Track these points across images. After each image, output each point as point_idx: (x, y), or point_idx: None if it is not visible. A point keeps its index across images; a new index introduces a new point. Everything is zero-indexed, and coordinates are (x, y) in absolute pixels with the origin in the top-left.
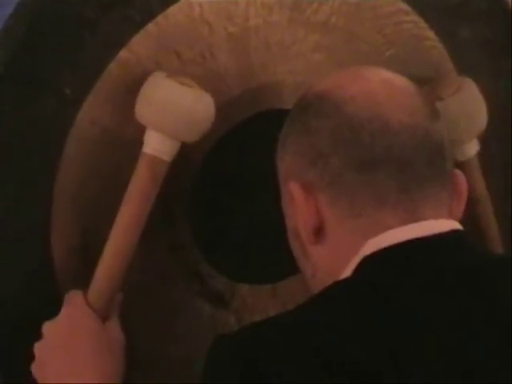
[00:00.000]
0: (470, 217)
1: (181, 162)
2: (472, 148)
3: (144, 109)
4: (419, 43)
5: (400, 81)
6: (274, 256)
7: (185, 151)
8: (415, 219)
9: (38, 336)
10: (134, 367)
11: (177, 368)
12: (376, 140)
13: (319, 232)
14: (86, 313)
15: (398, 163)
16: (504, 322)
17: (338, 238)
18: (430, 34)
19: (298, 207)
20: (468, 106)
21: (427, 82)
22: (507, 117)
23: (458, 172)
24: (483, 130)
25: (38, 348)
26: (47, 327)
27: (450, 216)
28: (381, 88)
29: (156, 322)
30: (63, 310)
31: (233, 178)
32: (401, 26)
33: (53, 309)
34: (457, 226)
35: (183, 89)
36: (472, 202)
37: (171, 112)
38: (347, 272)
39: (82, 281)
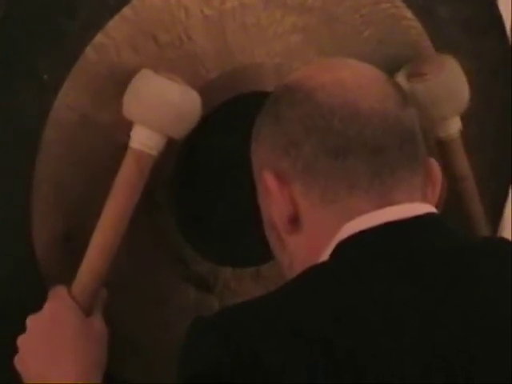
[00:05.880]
0: (454, 195)
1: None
2: (454, 126)
3: (132, 104)
4: (397, 23)
5: (369, 70)
6: (257, 239)
7: None
8: (388, 203)
9: (21, 328)
10: (120, 353)
11: (163, 353)
12: (347, 126)
13: (295, 221)
14: (69, 306)
15: (369, 148)
16: (480, 304)
17: (314, 226)
18: (408, 13)
19: (273, 197)
20: (451, 83)
21: (405, 62)
22: (487, 96)
23: (432, 160)
24: (465, 107)
25: (22, 341)
26: (31, 320)
27: (425, 202)
28: (350, 76)
29: (141, 307)
30: (47, 304)
31: (214, 161)
32: (378, 5)
33: (36, 299)
34: (432, 209)
35: (171, 84)
36: (455, 180)
37: (159, 107)
38: (323, 258)
39: (65, 270)
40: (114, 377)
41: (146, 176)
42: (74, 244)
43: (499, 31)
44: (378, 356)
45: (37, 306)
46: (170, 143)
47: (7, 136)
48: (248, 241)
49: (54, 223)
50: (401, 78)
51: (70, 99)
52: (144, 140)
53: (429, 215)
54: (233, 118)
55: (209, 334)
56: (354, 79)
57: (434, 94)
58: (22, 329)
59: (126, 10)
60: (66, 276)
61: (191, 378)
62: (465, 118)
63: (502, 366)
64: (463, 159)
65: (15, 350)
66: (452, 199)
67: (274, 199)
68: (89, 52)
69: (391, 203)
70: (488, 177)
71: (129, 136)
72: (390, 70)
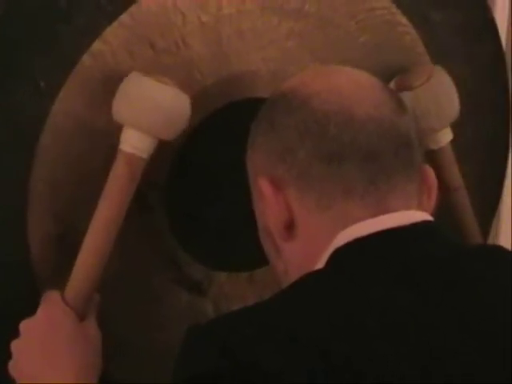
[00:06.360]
0: (446, 206)
1: (156, 150)
2: (445, 136)
3: (121, 107)
4: (392, 29)
5: (365, 76)
6: (251, 244)
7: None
8: (384, 210)
9: (14, 328)
10: (112, 355)
11: (156, 354)
12: (342, 131)
13: (290, 227)
14: (63, 310)
15: (364, 154)
16: (476, 307)
17: (309, 232)
18: (403, 19)
19: (268, 203)
20: (439, 94)
21: (400, 68)
22: (481, 101)
23: (427, 167)
24: (455, 118)
25: (16, 346)
26: (25, 325)
27: (421, 209)
28: (346, 83)
29: (134, 309)
30: (40, 309)
31: (208, 165)
32: (373, 12)
33: (29, 299)
34: (428, 217)
35: (161, 86)
36: (447, 191)
37: (149, 109)
38: (319, 265)
39: (58, 270)
40: (106, 378)
41: (137, 179)
42: (67, 244)
43: (493, 36)
44: (375, 361)
45: (30, 307)
46: (165, 147)
47: (4, 138)
48: (242, 245)
49: (48, 224)
50: None
51: (67, 105)
52: (135, 143)
53: (425, 223)
54: (228, 123)
55: (205, 339)
56: (349, 86)
57: (423, 105)
58: (15, 329)
59: (124, 17)
60: (59, 276)
61: (189, 380)
62: (458, 123)
63: (499, 368)
64: (455, 170)
65: (8, 353)
66: (444, 209)
67: (269, 205)
68: (86, 59)
69: (387, 210)
70: (481, 181)
71: None
72: (385, 76)
